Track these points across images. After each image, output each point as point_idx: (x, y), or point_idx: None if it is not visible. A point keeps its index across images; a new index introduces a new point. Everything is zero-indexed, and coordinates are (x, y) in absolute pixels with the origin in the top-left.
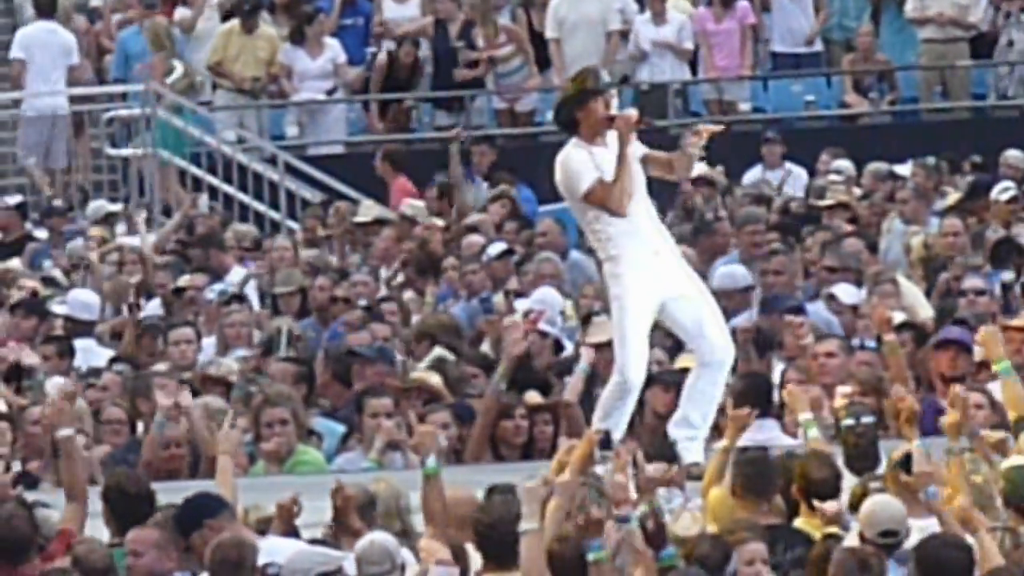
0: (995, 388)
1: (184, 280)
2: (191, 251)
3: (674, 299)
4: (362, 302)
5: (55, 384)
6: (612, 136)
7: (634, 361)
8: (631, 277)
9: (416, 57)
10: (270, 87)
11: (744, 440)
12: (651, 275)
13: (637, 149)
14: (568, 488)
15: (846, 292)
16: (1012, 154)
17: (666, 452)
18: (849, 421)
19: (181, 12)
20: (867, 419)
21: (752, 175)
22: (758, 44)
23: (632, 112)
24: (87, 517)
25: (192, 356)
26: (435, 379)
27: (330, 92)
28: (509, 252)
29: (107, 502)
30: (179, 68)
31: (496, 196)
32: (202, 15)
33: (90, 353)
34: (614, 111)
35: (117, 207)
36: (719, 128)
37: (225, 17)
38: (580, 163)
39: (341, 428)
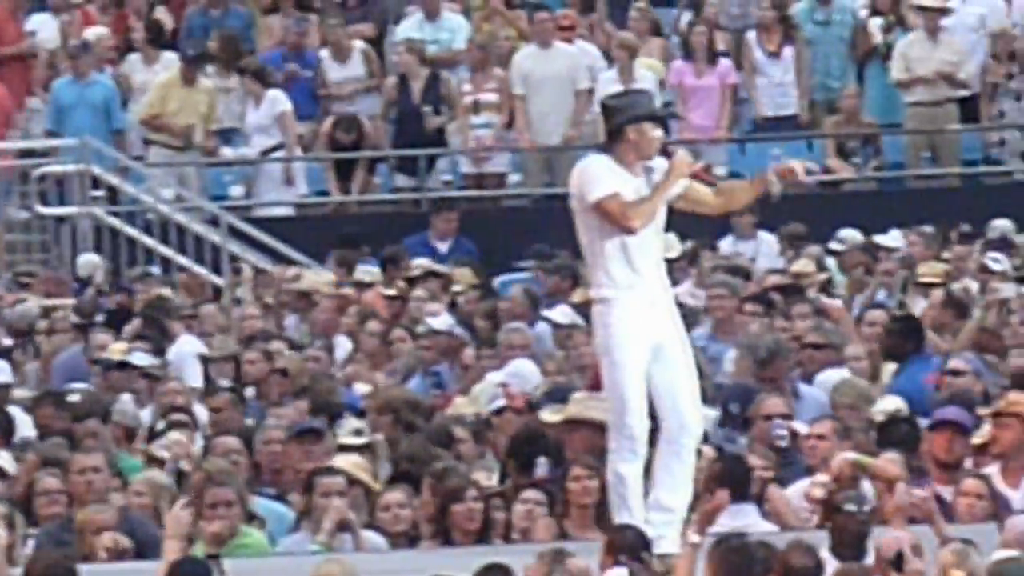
0: (994, 471)
1: (120, 348)
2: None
3: (657, 357)
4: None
5: None
6: (642, 168)
7: (636, 414)
8: (622, 328)
9: (359, 134)
10: (208, 143)
11: (720, 526)
12: (642, 326)
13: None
14: None
15: None
16: (1001, 224)
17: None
18: (851, 507)
19: (131, 60)
20: (868, 507)
21: (724, 245)
22: (737, 105)
23: (688, 157)
24: None
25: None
26: (354, 467)
27: (276, 148)
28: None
29: None
30: None
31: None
32: (145, 68)
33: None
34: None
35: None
36: (812, 167)
37: None
38: (605, 172)
39: (285, 510)
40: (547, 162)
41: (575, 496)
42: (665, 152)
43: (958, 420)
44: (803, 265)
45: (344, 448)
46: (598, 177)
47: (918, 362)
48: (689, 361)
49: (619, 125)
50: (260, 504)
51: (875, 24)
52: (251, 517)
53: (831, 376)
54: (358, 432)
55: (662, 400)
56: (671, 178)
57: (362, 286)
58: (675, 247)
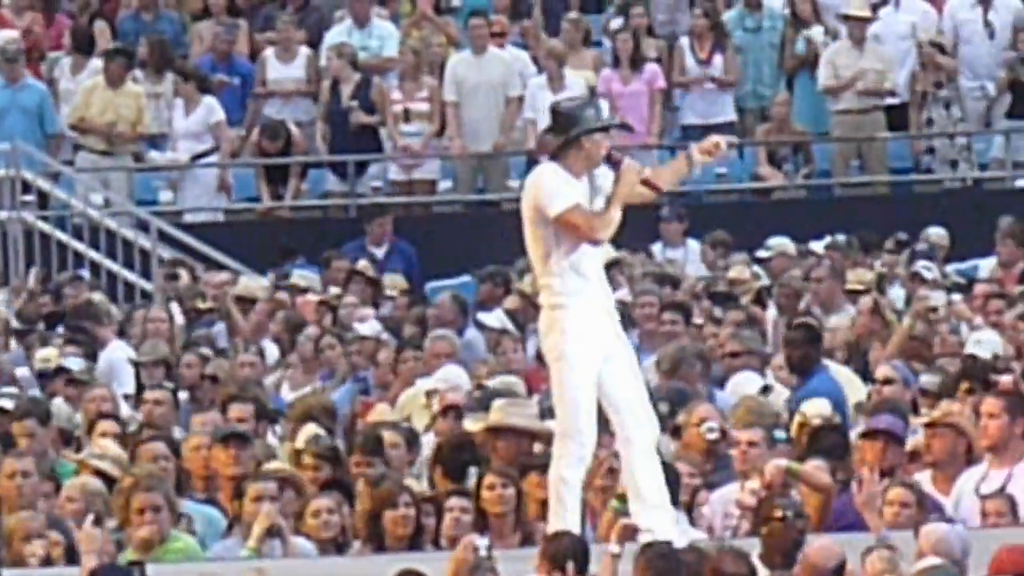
0: (924, 478)
1: (50, 354)
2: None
3: (608, 365)
4: None
5: None
6: (587, 174)
7: (588, 419)
8: (578, 333)
9: (286, 141)
10: (133, 148)
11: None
12: (596, 332)
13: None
14: None
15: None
16: (933, 231)
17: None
18: (787, 514)
19: (62, 64)
20: (804, 515)
21: (655, 252)
22: (667, 112)
23: (636, 165)
24: None
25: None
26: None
27: (206, 153)
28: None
29: None
30: None
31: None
32: (71, 76)
33: None
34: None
35: None
36: (734, 140)
37: None
38: (561, 183)
39: (218, 515)
40: (478, 168)
41: (489, 505)
42: (610, 158)
43: (891, 429)
44: (738, 272)
45: (300, 454)
46: (556, 189)
47: (821, 370)
48: (635, 365)
49: (576, 136)
50: (192, 508)
51: (816, 31)
52: (182, 520)
53: (740, 381)
54: (317, 439)
55: (617, 405)
56: (622, 187)
57: (296, 291)
58: (609, 253)
